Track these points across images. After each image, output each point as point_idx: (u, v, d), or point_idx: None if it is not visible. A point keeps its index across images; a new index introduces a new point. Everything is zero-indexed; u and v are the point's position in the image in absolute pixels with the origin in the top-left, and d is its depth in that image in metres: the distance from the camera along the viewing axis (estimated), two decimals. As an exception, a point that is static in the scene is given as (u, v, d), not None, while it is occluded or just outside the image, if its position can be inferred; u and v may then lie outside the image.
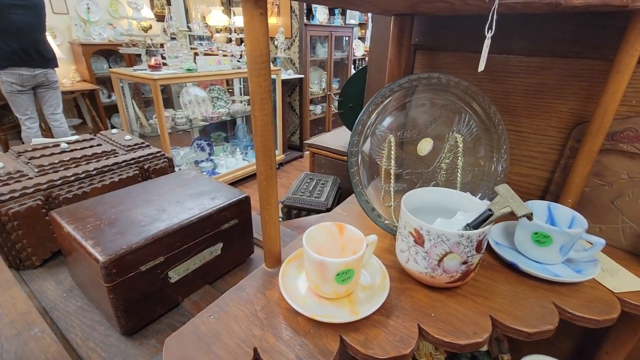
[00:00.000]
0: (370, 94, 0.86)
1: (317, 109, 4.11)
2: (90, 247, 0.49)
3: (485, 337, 0.41)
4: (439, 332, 0.41)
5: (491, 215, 0.43)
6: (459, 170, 0.60)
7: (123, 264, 0.49)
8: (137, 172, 0.79)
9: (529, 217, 0.41)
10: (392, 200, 0.60)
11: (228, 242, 0.65)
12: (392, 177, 0.59)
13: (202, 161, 2.91)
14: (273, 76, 3.22)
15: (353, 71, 4.44)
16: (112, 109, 3.53)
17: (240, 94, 3.42)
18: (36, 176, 0.69)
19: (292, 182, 1.76)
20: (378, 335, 0.41)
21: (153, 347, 0.53)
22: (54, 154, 0.76)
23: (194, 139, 3.00)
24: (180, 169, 0.81)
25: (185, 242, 0.57)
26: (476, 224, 0.44)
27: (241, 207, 0.66)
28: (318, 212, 1.50)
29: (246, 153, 3.28)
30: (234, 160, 3.07)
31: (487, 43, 0.41)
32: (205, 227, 0.60)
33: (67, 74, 3.25)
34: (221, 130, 3.43)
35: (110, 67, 3.45)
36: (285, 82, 3.37)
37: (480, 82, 0.68)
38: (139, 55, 2.61)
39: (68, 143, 0.81)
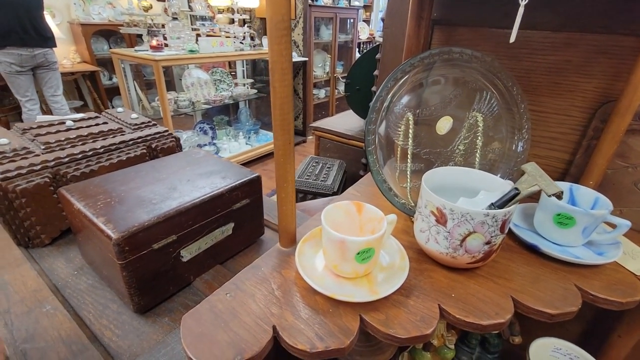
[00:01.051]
0: (384, 72, 0.83)
1: (321, 93, 4.05)
2: (102, 224, 0.48)
3: (508, 318, 0.41)
4: (460, 313, 0.41)
5: (517, 194, 0.41)
6: (478, 150, 0.58)
7: (136, 241, 0.48)
8: (144, 151, 0.77)
9: (559, 196, 0.39)
10: (409, 180, 0.58)
11: (239, 222, 0.64)
12: (409, 156, 0.57)
13: (205, 145, 2.89)
14: (276, 59, 3.15)
15: (357, 54, 4.35)
16: (114, 91, 3.49)
17: (243, 77, 3.36)
18: (43, 153, 0.67)
19: (297, 166, 1.75)
20: (398, 315, 0.40)
21: (166, 325, 0.52)
22: (59, 131, 0.74)
23: (197, 122, 2.97)
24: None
25: (197, 221, 0.56)
26: (501, 204, 0.42)
27: (252, 187, 0.65)
28: (324, 195, 1.49)
29: (249, 137, 3.25)
30: (236, 145, 3.04)
31: (520, 11, 0.39)
32: (217, 206, 0.59)
33: (67, 55, 3.19)
34: (224, 114, 3.39)
35: (110, 48, 3.38)
36: (288, 65, 3.30)
37: (500, 60, 0.65)
38: (140, 36, 2.56)
39: (74, 121, 0.80)
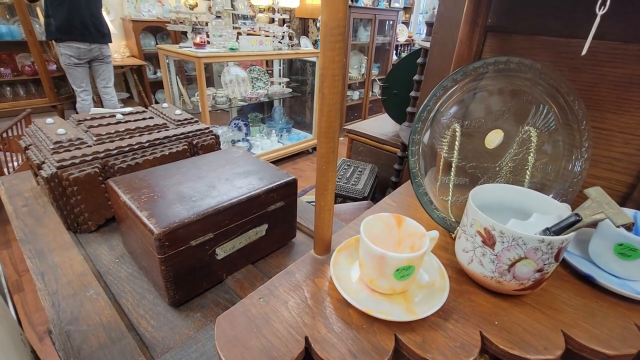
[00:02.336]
0: (430, 79, 0.80)
1: (355, 95, 4.02)
2: (145, 219, 0.50)
3: (558, 355, 0.37)
4: (504, 343, 0.38)
5: (578, 221, 0.38)
6: (529, 168, 0.54)
7: (176, 237, 0.49)
8: (186, 147, 0.80)
9: (630, 227, 0.36)
10: (451, 194, 0.55)
11: (273, 224, 0.65)
12: (453, 169, 0.54)
13: (239, 141, 2.96)
14: (313, 58, 3.17)
15: (395, 57, 4.27)
16: (156, 85, 3.66)
17: (280, 76, 3.41)
18: (94, 144, 0.71)
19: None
20: (436, 338, 0.38)
21: (198, 320, 0.53)
22: (110, 124, 0.78)
23: (232, 118, 3.05)
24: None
25: (233, 221, 0.57)
26: (558, 229, 0.39)
27: (288, 190, 0.65)
28: (354, 199, 1.47)
29: (281, 136, 3.29)
30: (269, 142, 3.09)
31: (596, 22, 0.35)
32: (253, 207, 0.59)
33: (118, 49, 3.39)
34: (258, 111, 3.46)
35: (157, 44, 3.55)
36: (325, 66, 3.29)
37: (560, 72, 0.61)
38: (185, 33, 2.66)
39: (123, 114, 0.84)
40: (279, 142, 3.19)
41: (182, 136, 0.81)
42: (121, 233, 0.66)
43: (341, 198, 1.52)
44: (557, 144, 0.53)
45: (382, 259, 0.38)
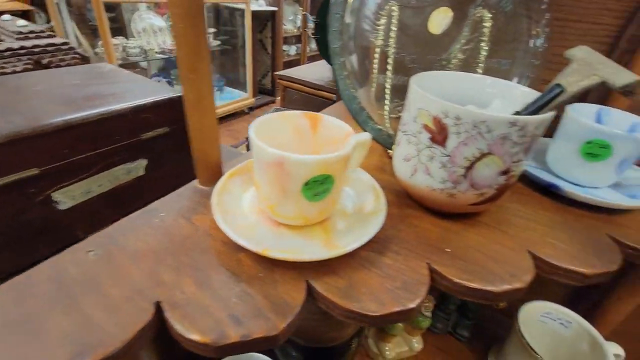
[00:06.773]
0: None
1: (292, 50, 3.75)
2: None
3: (528, 281, 0.27)
4: (460, 275, 0.27)
5: (560, 93, 0.26)
6: (482, 61, 0.42)
7: (-50, 172, 0.30)
8: (29, 66, 0.56)
9: (633, 89, 0.25)
10: (388, 98, 0.42)
11: (155, 159, 0.46)
12: (390, 63, 0.41)
13: (161, 100, 2.58)
14: (242, 5, 2.82)
15: (333, 9, 4.01)
16: (51, 36, 3.01)
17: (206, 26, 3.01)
18: None
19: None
20: (368, 280, 0.26)
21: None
22: None
23: (152, 74, 2.64)
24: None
25: (77, 151, 0.38)
26: (535, 109, 0.27)
27: (174, 111, 0.46)
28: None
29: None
30: (198, 101, 2.75)
31: None
32: (113, 131, 0.40)
33: (-13, -14, 2.66)
34: (183, 67, 3.04)
35: (43, -18, 2.87)
36: (255, 15, 2.96)
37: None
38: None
39: None
40: (209, 101, 2.85)
41: (22, 51, 0.56)
42: None
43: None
44: (512, 26, 0.42)
45: (280, 167, 0.24)
